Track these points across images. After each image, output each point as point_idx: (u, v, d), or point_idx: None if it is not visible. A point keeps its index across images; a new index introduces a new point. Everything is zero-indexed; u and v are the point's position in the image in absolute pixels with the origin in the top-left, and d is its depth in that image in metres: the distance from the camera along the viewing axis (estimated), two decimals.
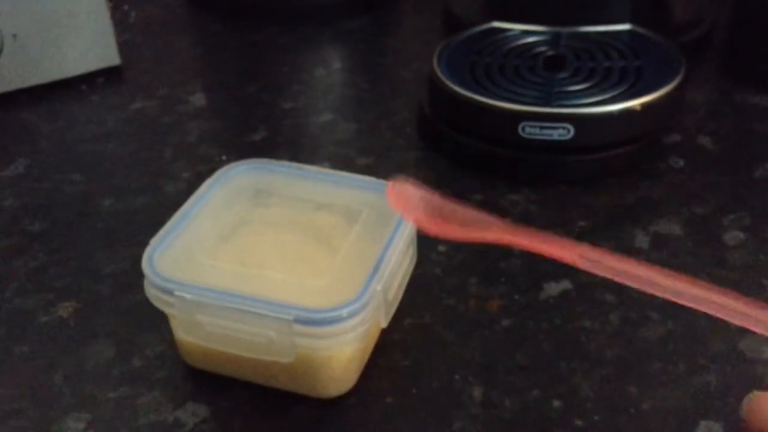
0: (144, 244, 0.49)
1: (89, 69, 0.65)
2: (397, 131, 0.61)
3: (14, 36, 0.61)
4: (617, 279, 0.31)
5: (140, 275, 0.46)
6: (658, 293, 0.30)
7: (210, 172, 0.55)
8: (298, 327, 0.34)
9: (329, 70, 0.70)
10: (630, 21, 0.62)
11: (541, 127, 0.51)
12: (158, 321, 0.43)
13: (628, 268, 0.31)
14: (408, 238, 0.40)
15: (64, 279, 0.46)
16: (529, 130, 0.51)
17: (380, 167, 0.57)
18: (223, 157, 0.57)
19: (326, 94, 0.67)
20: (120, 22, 0.67)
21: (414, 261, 0.43)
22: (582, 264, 0.32)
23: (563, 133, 0.50)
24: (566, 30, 0.60)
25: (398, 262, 0.39)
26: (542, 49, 0.59)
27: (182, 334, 0.38)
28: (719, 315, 0.29)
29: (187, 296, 0.36)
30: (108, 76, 0.66)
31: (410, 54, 0.72)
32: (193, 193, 0.42)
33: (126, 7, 0.77)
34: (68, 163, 0.57)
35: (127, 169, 0.56)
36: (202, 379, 0.40)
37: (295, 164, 0.45)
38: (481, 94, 0.53)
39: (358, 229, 0.41)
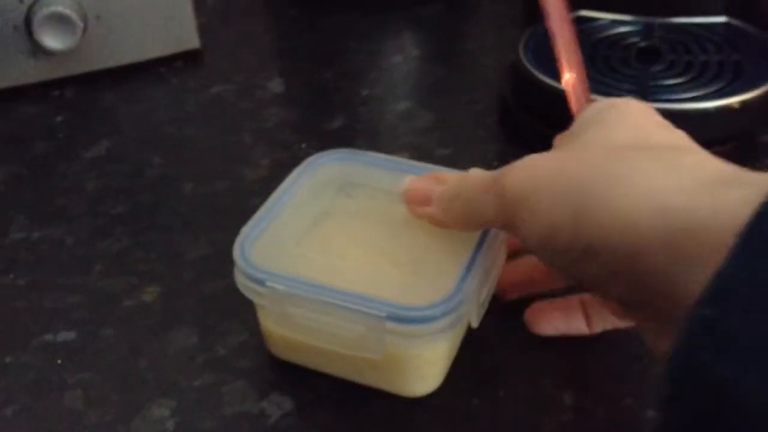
0: (226, 230, 0.49)
1: (169, 52, 0.65)
2: (477, 121, 0.59)
3: (98, 17, 0.61)
4: None
5: (223, 262, 0.46)
6: None
7: (289, 159, 0.55)
8: (390, 324, 0.34)
9: (406, 57, 0.69)
10: (725, 12, 0.59)
11: None
12: (241, 309, 0.43)
13: None
14: (502, 234, 0.39)
15: (147, 263, 0.46)
16: None
17: (459, 158, 0.55)
18: (303, 146, 0.56)
19: (404, 82, 0.66)
20: (198, 5, 0.67)
21: (504, 258, 0.41)
22: None
23: None
24: (658, 21, 0.58)
25: (492, 259, 0.38)
26: (634, 40, 0.56)
27: (271, 324, 0.37)
28: None
29: (279, 287, 0.35)
30: (186, 59, 0.66)
31: (489, 41, 0.70)
32: (281, 181, 0.42)
33: None
34: (149, 145, 0.57)
35: (207, 154, 0.56)
36: (286, 370, 0.39)
37: (381, 155, 0.44)
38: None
39: None
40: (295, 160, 0.54)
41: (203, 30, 0.67)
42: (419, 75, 0.67)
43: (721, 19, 0.59)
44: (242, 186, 0.52)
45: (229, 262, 0.46)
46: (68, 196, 0.52)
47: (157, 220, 0.50)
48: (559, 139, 0.37)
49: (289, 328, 0.37)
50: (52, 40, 0.59)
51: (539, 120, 0.54)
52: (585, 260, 0.28)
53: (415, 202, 0.38)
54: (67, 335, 0.42)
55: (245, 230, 0.38)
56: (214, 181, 0.53)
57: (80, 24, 0.59)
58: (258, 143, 0.57)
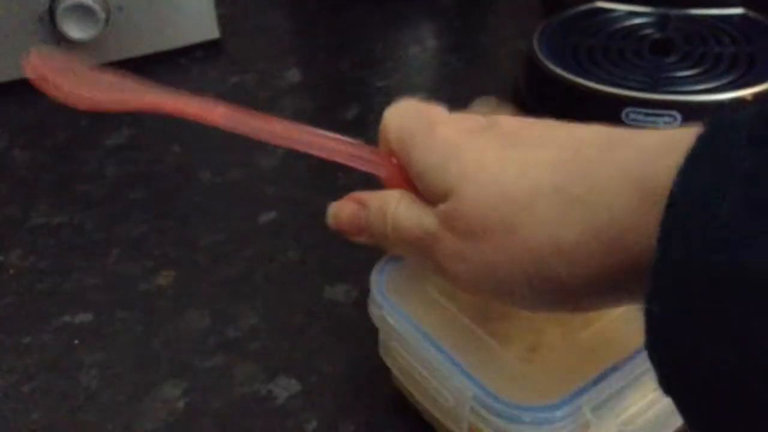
0: (240, 217, 0.50)
1: (190, 42, 0.66)
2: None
3: (120, 8, 0.62)
4: (256, 136, 0.34)
5: (236, 248, 0.47)
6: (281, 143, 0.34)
7: None
8: (475, 405, 0.30)
9: (423, 47, 0.69)
10: (742, 4, 0.58)
11: (646, 114, 0.49)
12: (252, 294, 0.44)
13: (263, 125, 0.34)
14: None
15: (163, 248, 0.47)
16: (633, 117, 0.49)
17: None
18: None
19: (419, 72, 0.67)
20: None
21: None
22: (224, 123, 0.34)
23: (669, 120, 0.48)
24: (674, 12, 0.58)
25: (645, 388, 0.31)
26: (649, 31, 0.56)
27: (381, 352, 0.36)
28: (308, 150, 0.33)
29: (390, 320, 0.34)
30: (207, 49, 0.67)
31: (505, 32, 0.70)
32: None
33: None
34: (168, 134, 0.58)
35: (224, 143, 0.57)
36: (293, 354, 0.41)
37: None
38: (584, 77, 0.51)
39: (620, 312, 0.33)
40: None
41: (223, 20, 0.68)
42: (435, 66, 0.68)
43: (737, 10, 0.58)
44: (257, 174, 0.53)
45: (241, 248, 0.47)
46: (89, 183, 0.53)
47: (174, 206, 0.51)
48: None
49: (393, 364, 0.36)
50: (75, 31, 0.60)
51: (552, 111, 0.54)
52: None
53: (348, 232, 0.35)
54: (84, 317, 0.43)
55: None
56: (230, 170, 0.54)
57: (103, 15, 0.61)
58: None
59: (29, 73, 0.34)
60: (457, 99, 0.62)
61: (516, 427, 0.29)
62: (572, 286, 0.26)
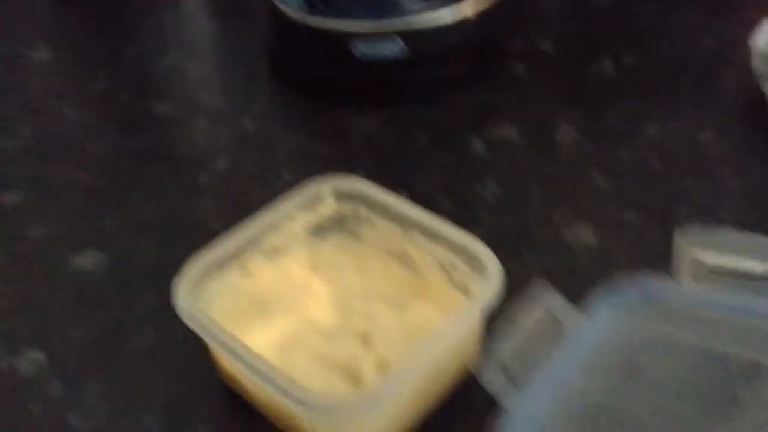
0: None
1: None
2: (247, 69, 0.60)
3: None
4: None
5: None
6: None
7: (54, 124, 0.54)
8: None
9: (177, 11, 0.68)
10: None
11: (373, 44, 0.50)
12: None
13: None
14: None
15: None
16: (362, 49, 0.51)
17: (229, 106, 0.56)
18: (64, 109, 0.55)
19: (174, 35, 0.66)
20: None
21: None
22: None
23: (394, 47, 0.50)
24: None
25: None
26: None
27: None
28: None
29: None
30: None
31: None
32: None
33: None
34: None
35: None
36: (40, 326, 0.40)
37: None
38: (314, 17, 0.52)
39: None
40: (57, 126, 0.54)
41: None
42: (190, 27, 0.67)
43: None
44: (1, 156, 0.51)
45: None
46: None
47: None
48: None
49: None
50: None
51: (294, 55, 0.55)
52: None
53: None
54: None
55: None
56: None
57: None
58: (23, 112, 0.55)
59: None
60: (211, 60, 0.62)
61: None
62: None
